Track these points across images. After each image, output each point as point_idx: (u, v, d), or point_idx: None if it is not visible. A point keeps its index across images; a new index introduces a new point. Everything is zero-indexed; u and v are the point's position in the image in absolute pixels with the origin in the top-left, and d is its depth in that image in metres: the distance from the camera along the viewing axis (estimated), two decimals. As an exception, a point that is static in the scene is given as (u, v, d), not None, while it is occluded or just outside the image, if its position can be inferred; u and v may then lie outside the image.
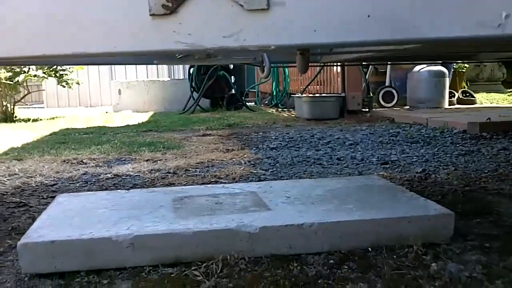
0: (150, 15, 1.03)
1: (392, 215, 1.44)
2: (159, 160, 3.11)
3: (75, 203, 1.64)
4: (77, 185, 2.46)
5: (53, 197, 2.20)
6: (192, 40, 1.04)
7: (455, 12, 1.01)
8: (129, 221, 1.40)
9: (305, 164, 2.92)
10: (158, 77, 12.22)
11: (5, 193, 2.30)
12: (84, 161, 3.13)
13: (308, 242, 1.37)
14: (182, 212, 1.50)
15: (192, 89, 7.80)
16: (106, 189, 2.35)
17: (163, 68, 12.59)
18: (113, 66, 12.29)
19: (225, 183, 2.39)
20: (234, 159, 3.05)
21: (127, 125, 5.75)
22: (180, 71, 12.45)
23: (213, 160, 3.01)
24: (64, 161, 3.14)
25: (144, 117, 6.94)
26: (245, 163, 2.93)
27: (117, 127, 5.55)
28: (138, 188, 2.37)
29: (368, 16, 0.99)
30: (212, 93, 7.75)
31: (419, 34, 1.03)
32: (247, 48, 1.07)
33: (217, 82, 7.61)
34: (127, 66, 12.41)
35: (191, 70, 7.89)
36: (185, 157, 3.21)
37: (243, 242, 1.34)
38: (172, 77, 12.21)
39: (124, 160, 3.16)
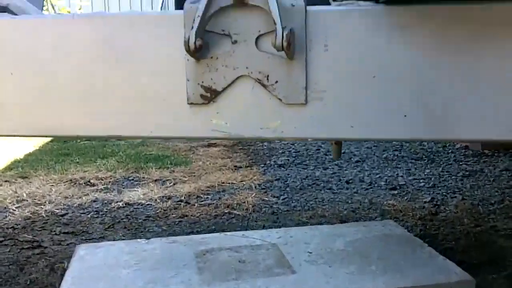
0: (188, 103, 1.02)
1: (416, 282, 1.45)
2: (168, 180, 3.11)
3: (97, 258, 1.64)
4: (89, 215, 2.46)
5: (66, 233, 2.22)
6: (229, 130, 1.04)
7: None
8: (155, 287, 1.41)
9: (315, 188, 2.93)
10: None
11: (16, 227, 2.30)
12: (91, 181, 3.12)
13: (334, 311, 1.39)
14: (207, 274, 1.51)
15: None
16: (119, 222, 2.35)
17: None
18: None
19: (238, 215, 2.41)
20: (244, 182, 3.05)
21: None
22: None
23: (223, 183, 3.01)
24: (71, 181, 3.13)
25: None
26: (255, 187, 2.93)
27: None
28: (152, 220, 2.38)
29: (405, 116, 0.98)
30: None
31: (453, 134, 1.03)
32: (283, 139, 1.06)
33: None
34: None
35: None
36: (194, 176, 3.21)
37: (271, 314, 1.35)
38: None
39: (133, 180, 3.16)
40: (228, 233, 1.88)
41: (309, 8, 0.95)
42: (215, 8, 0.95)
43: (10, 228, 2.28)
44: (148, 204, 2.62)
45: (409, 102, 0.95)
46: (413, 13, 0.92)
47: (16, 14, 1.16)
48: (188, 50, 0.93)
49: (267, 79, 0.97)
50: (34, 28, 1.06)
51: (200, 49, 0.93)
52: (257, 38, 0.97)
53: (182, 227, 2.27)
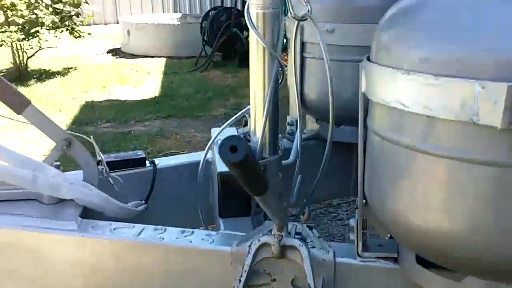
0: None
1: None
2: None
3: None
4: None
5: None
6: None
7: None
8: None
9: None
10: (163, 11, 11.94)
11: None
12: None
13: None
14: None
15: (204, 42, 7.73)
16: None
17: (169, 1, 12.22)
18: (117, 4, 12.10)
19: None
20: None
21: (143, 100, 5.83)
22: (186, 5, 12.06)
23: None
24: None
25: (156, 77, 6.98)
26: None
27: (136, 105, 5.67)
28: None
29: None
30: (224, 49, 7.70)
31: None
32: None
33: (230, 38, 7.51)
34: (132, 4, 12.11)
35: (204, 23, 7.77)
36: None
37: None
38: (178, 11, 11.86)
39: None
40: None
41: (338, 260, 1.13)
42: (258, 259, 1.13)
43: None
44: None
45: None
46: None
47: (81, 206, 1.34)
48: (237, 298, 1.12)
49: (302, 313, 1.17)
50: (101, 245, 1.25)
51: (247, 297, 1.12)
52: (293, 279, 1.15)
53: None
